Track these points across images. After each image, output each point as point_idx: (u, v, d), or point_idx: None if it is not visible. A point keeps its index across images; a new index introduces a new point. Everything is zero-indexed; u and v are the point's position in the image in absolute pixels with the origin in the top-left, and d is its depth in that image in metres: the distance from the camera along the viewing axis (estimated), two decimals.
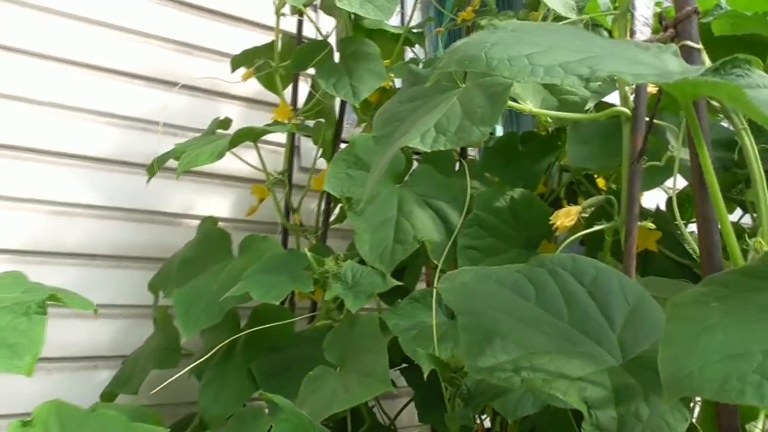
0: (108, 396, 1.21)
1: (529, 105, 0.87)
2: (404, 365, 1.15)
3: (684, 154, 1.10)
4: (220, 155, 1.06)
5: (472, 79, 0.84)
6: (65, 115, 1.35)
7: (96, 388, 1.26)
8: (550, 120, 1.10)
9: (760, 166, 0.51)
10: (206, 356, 1.01)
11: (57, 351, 1.27)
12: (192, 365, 1.02)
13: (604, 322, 0.65)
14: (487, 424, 1.32)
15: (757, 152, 0.53)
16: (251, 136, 1.14)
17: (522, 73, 0.42)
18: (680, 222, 1.00)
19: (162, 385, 0.97)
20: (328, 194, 1.34)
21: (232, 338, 1.04)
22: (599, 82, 1.15)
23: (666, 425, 0.52)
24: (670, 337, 0.37)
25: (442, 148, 0.76)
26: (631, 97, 0.89)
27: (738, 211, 1.25)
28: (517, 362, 0.54)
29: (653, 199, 1.34)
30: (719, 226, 0.54)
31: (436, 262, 1.05)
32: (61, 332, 1.29)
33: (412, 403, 1.33)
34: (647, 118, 0.85)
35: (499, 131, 1.64)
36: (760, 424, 1.13)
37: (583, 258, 0.72)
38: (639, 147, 0.78)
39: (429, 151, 0.76)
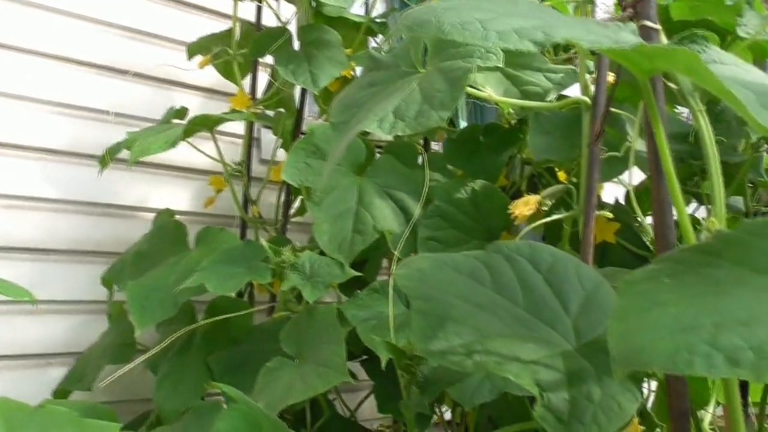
0: (61, 393, 1.17)
1: (489, 91, 0.86)
2: (364, 357, 1.13)
3: (642, 146, 1.12)
4: (174, 143, 1.03)
5: (433, 63, 0.83)
6: (13, 104, 1.30)
7: (48, 387, 1.21)
8: (512, 111, 1.10)
9: (714, 146, 0.52)
10: (160, 347, 0.98)
11: (7, 349, 1.22)
12: (144, 357, 0.99)
13: (559, 308, 0.65)
14: (448, 416, 1.32)
15: (712, 134, 0.53)
16: (207, 124, 1.11)
17: (474, 36, 0.41)
18: (638, 211, 1.01)
19: (113, 376, 0.94)
20: (288, 186, 1.32)
21: (188, 329, 1.02)
22: (561, 74, 1.17)
23: (617, 405, 0.52)
24: (622, 313, 0.36)
25: (400, 134, 0.74)
26: (592, 87, 0.89)
27: (693, 204, 1.28)
28: (470, 346, 0.54)
29: (613, 194, 1.36)
30: (673, 209, 0.54)
31: (395, 252, 1.04)
32: (11, 329, 1.24)
33: (372, 397, 1.33)
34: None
35: (463, 126, 1.64)
36: (710, 409, 1.15)
37: (540, 245, 0.72)
38: (598, 131, 0.78)
39: (388, 136, 0.75)
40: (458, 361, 0.52)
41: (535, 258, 0.69)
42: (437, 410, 1.31)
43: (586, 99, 0.88)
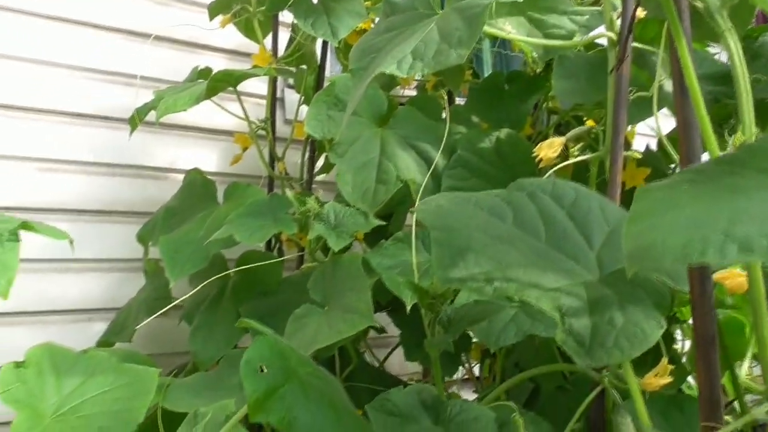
0: (104, 345, 1.22)
1: (509, 28, 0.84)
2: (390, 308, 1.15)
3: (669, 87, 1.09)
4: (198, 100, 1.04)
5: (451, 4, 0.82)
6: (45, 71, 1.33)
7: (91, 340, 1.26)
8: (536, 56, 1.07)
9: (743, 63, 0.50)
10: (189, 296, 1.01)
11: (51, 304, 1.28)
12: (172, 304, 1.02)
13: (582, 242, 0.64)
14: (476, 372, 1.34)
15: (741, 52, 0.51)
16: (230, 79, 1.12)
17: None
18: (672, 155, 0.97)
19: (147, 320, 0.97)
20: (313, 143, 1.33)
21: (220, 277, 1.04)
22: (586, 16, 1.13)
23: (640, 331, 0.52)
24: (636, 215, 0.36)
25: (419, 73, 0.73)
26: (617, 22, 0.86)
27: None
28: (490, 274, 0.54)
29: (643, 143, 1.33)
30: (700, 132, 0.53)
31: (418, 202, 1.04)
32: (56, 286, 1.30)
33: (401, 352, 1.34)
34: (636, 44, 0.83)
35: None
36: (746, 364, 1.14)
37: (563, 181, 0.71)
38: (624, 69, 0.76)
39: (405, 76, 0.74)
40: (478, 287, 0.52)
41: (557, 194, 0.68)
42: (466, 364, 1.33)
43: (611, 34, 0.85)
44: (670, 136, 1.28)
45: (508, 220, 0.65)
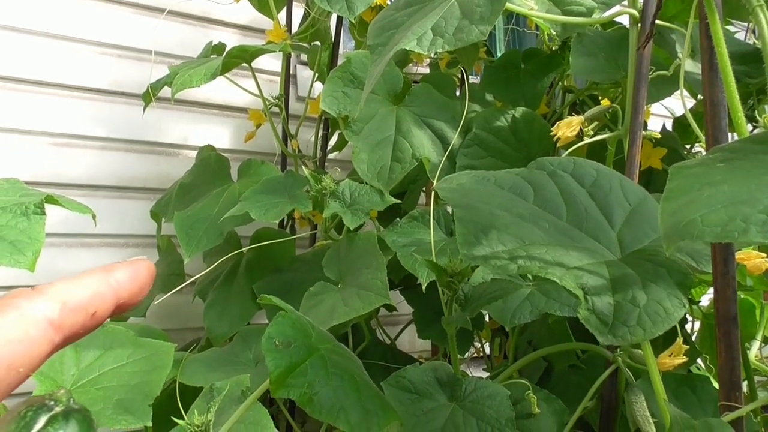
0: (118, 319, 1.23)
1: (531, 4, 0.83)
2: (403, 286, 1.15)
3: (692, 66, 1.07)
4: (214, 75, 1.03)
5: None
6: (60, 45, 1.32)
7: None
8: (554, 33, 1.06)
9: None
10: (205, 273, 1.02)
11: None
12: (189, 282, 1.03)
13: (603, 221, 0.64)
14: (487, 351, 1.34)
15: None
16: (245, 55, 1.11)
17: None
18: (697, 131, 0.95)
19: (163, 297, 0.98)
20: (326, 121, 1.32)
21: (234, 254, 1.05)
22: None
23: (663, 310, 0.52)
24: (672, 192, 0.36)
25: (440, 50, 0.73)
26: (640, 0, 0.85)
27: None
28: (513, 252, 0.54)
29: (658, 124, 1.31)
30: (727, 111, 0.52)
31: (434, 181, 1.04)
32: (70, 261, 1.31)
33: (411, 330, 1.35)
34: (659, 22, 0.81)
35: None
36: (756, 346, 1.14)
37: (584, 160, 0.71)
38: (645, 40, 0.75)
39: (426, 53, 0.73)
40: (502, 265, 0.52)
41: (578, 172, 0.68)
42: (476, 343, 1.34)
43: (634, 11, 0.84)
44: (684, 116, 1.27)
45: (529, 199, 0.65)
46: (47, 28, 1.31)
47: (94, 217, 0.73)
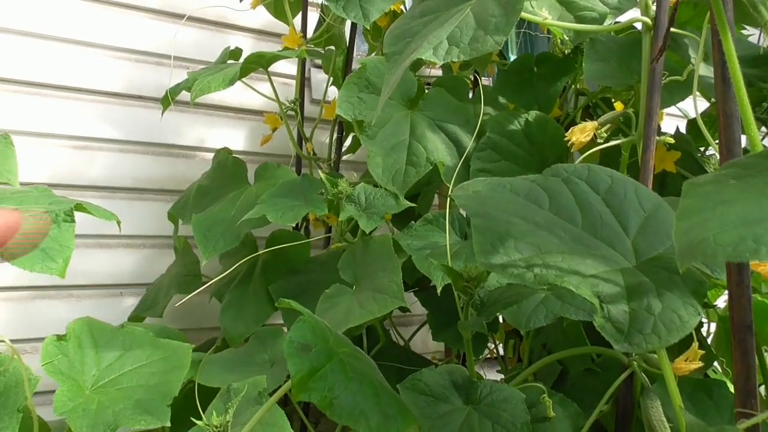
0: (135, 319, 1.26)
1: (545, 14, 0.84)
2: (416, 288, 1.16)
3: (705, 71, 1.07)
4: (232, 81, 1.05)
5: None
6: (79, 50, 1.35)
7: (122, 314, 1.30)
8: (567, 38, 1.07)
9: None
10: (223, 276, 1.03)
11: (85, 279, 1.32)
12: (208, 284, 1.04)
13: (618, 228, 0.65)
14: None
15: None
16: (262, 61, 1.13)
17: None
18: (708, 137, 0.96)
19: (183, 300, 0.99)
20: (341, 123, 1.33)
21: (250, 258, 1.07)
22: None
23: (678, 318, 0.52)
24: (686, 211, 0.37)
25: (455, 59, 0.74)
26: (653, 7, 0.86)
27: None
28: (530, 260, 0.55)
29: (672, 125, 1.32)
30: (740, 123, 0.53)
31: (448, 184, 1.05)
32: (88, 262, 1.33)
33: (424, 331, 1.36)
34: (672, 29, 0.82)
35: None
36: None
37: (598, 167, 0.71)
38: (658, 50, 0.75)
39: (441, 62, 0.74)
40: (519, 273, 0.53)
41: (593, 179, 0.69)
42: (490, 344, 1.35)
43: (647, 19, 0.84)
44: (700, 117, 1.27)
45: (544, 206, 0.66)
46: (68, 34, 1.33)
47: (119, 223, 0.74)
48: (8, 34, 1.27)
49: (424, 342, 1.58)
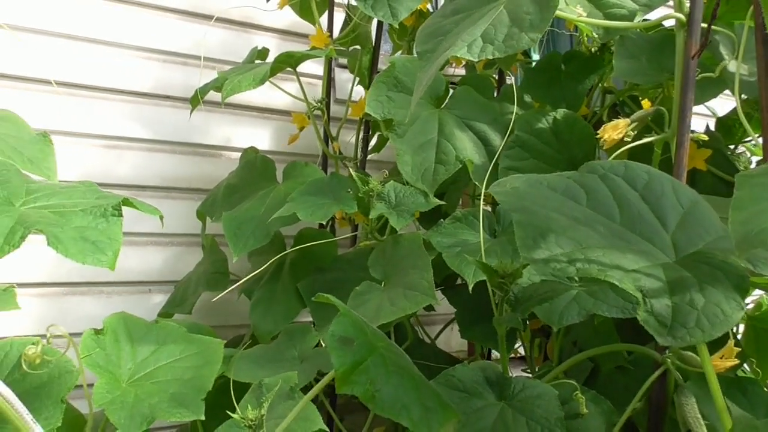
0: (164, 316, 1.27)
1: (579, 10, 0.84)
2: (444, 286, 1.17)
3: (734, 68, 1.07)
4: (262, 80, 1.06)
5: None
6: (109, 51, 1.37)
7: (150, 311, 1.32)
8: (596, 35, 1.06)
9: None
10: (255, 274, 1.05)
11: (114, 276, 1.33)
12: (240, 282, 1.06)
13: (657, 224, 0.65)
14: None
15: None
16: (291, 61, 1.14)
17: None
18: (749, 131, 0.94)
19: (215, 299, 1.01)
20: (367, 123, 1.34)
21: (279, 256, 1.08)
22: None
23: (721, 312, 0.52)
24: (740, 203, 0.37)
25: (490, 57, 0.74)
26: (687, 3, 0.85)
27: None
28: (572, 255, 0.55)
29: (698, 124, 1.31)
30: None
31: (477, 183, 1.05)
32: (118, 259, 1.35)
33: (447, 330, 1.37)
34: (703, 24, 0.82)
35: (536, 58, 1.60)
36: None
37: (635, 163, 0.71)
38: (694, 51, 0.75)
39: (476, 59, 0.75)
40: (561, 268, 0.54)
41: (630, 176, 0.69)
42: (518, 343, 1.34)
43: (681, 15, 0.84)
44: (728, 116, 1.27)
45: (582, 202, 0.66)
46: (98, 35, 1.35)
47: (161, 217, 0.76)
48: (44, 35, 1.30)
49: (447, 341, 1.58)
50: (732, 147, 1.22)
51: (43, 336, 0.77)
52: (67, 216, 0.59)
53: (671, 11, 0.85)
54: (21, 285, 1.22)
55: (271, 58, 1.23)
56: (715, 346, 0.78)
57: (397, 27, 1.27)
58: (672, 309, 0.53)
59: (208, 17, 1.44)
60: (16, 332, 0.87)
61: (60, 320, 1.28)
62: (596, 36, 1.08)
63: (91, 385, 0.82)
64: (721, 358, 0.74)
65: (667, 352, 0.80)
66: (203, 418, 0.86)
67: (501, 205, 1.03)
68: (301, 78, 1.40)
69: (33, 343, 0.70)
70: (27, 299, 1.24)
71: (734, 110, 1.24)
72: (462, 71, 1.54)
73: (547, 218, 0.59)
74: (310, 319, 1.14)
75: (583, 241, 0.57)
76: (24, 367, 0.70)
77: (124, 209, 1.32)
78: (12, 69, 1.26)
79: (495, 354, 1.43)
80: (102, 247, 0.56)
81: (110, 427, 0.88)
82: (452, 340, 1.61)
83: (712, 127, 1.29)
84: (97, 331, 0.91)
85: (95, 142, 1.34)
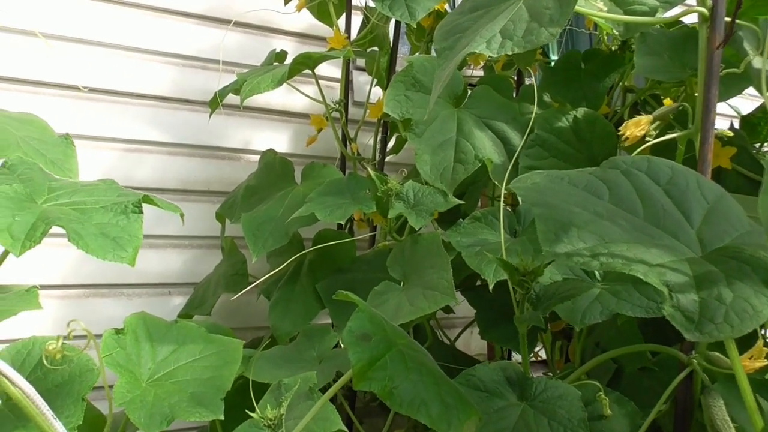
0: (184, 317, 1.28)
1: (599, 4, 0.83)
2: (463, 287, 1.16)
3: (758, 64, 1.04)
4: (281, 81, 1.07)
5: None
6: (128, 56, 1.39)
7: (170, 312, 1.33)
8: (617, 32, 1.05)
9: None
10: (272, 274, 1.05)
11: (135, 278, 1.35)
12: (258, 281, 1.06)
13: (681, 219, 0.64)
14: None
15: None
16: (309, 62, 1.14)
17: None
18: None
19: (234, 297, 1.01)
20: (385, 124, 1.34)
21: (298, 256, 1.08)
22: None
23: (750, 307, 0.51)
24: None
25: (509, 53, 0.73)
26: None
27: None
28: (595, 249, 0.54)
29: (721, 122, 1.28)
30: None
31: (497, 182, 1.05)
32: (138, 261, 1.35)
33: (466, 333, 1.36)
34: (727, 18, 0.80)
35: (554, 58, 1.59)
36: None
37: (658, 159, 0.70)
38: (717, 44, 0.74)
39: (495, 55, 0.74)
40: (584, 262, 0.52)
41: (653, 171, 0.67)
42: (539, 344, 1.32)
43: (704, 10, 0.82)
44: (753, 114, 1.24)
45: (604, 198, 0.65)
46: (118, 40, 1.37)
47: (182, 216, 0.76)
48: (66, 42, 1.32)
49: (466, 344, 1.57)
50: (757, 145, 1.19)
51: (65, 338, 0.78)
52: (88, 213, 0.59)
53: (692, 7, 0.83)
54: (43, 287, 1.23)
55: (289, 61, 1.24)
56: (743, 346, 0.76)
57: (415, 28, 1.27)
58: (699, 304, 0.51)
59: (226, 21, 1.45)
60: (38, 334, 0.88)
61: (81, 322, 1.30)
62: (617, 33, 1.07)
63: (110, 387, 0.82)
64: (750, 358, 0.72)
65: (693, 352, 0.78)
66: (222, 417, 0.86)
67: (522, 201, 1.02)
68: (319, 81, 1.41)
69: (54, 340, 0.70)
70: (49, 301, 1.26)
71: (759, 108, 1.22)
72: (480, 72, 1.53)
73: (569, 212, 0.58)
74: (329, 320, 1.14)
75: (606, 235, 0.56)
76: (45, 363, 0.71)
77: (145, 212, 1.34)
78: (35, 74, 1.29)
79: (515, 357, 1.42)
80: (122, 244, 0.57)
81: (130, 427, 0.89)
82: (472, 343, 1.60)
83: (737, 128, 1.26)
84: (118, 331, 0.91)
85: (116, 145, 1.36)
